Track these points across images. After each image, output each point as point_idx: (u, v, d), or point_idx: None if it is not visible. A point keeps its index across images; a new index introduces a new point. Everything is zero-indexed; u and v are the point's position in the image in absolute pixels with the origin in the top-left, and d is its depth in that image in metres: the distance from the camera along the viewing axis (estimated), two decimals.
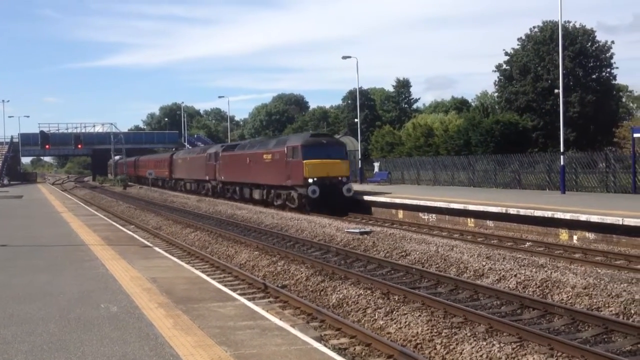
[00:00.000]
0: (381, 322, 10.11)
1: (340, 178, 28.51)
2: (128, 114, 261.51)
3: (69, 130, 76.62)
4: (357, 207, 28.93)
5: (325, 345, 8.10)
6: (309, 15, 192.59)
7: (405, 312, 10.26)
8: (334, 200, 27.84)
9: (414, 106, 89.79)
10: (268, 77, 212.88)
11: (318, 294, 12.50)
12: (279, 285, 13.37)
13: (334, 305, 11.54)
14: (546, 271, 12.36)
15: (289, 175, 28.96)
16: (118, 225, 23.53)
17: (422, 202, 25.34)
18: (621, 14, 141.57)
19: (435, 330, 9.24)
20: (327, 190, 27.61)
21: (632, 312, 9.67)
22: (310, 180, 27.72)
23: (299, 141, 29.38)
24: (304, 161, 28.03)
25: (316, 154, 28.36)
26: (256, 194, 33.77)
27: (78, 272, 12.39)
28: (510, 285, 11.89)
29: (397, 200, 26.99)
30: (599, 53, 53.65)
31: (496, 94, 61.13)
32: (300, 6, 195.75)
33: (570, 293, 10.83)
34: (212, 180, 42.22)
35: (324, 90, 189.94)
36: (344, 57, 48.37)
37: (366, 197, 29.21)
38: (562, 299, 10.70)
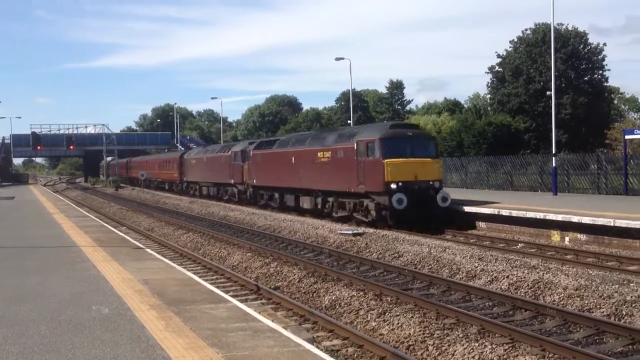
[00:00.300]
0: (374, 324, 10.11)
1: (431, 182, 21.76)
2: (120, 115, 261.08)
3: (61, 132, 76.27)
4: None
5: (318, 347, 8.10)
6: (302, 17, 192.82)
7: (398, 313, 10.26)
8: (425, 212, 21.28)
9: (407, 107, 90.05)
10: (261, 78, 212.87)
11: (311, 295, 12.49)
12: (272, 286, 13.37)
13: (326, 307, 11.53)
14: (538, 272, 12.39)
15: (361, 179, 22.16)
16: (110, 227, 23.45)
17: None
18: (614, 16, 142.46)
19: (427, 332, 9.25)
20: (416, 199, 20.97)
21: (624, 313, 9.70)
22: (394, 186, 20.96)
23: (377, 134, 22.24)
24: (385, 160, 21.17)
25: (400, 151, 21.68)
26: (306, 203, 26.71)
27: (69, 274, 12.34)
28: (502, 287, 11.92)
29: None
30: (591, 55, 53.94)
31: (489, 96, 61.36)
32: (294, 7, 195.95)
33: (562, 294, 10.87)
34: (239, 184, 35.48)
35: (318, 91, 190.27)
36: (337, 59, 48.55)
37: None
38: (554, 300, 10.74)
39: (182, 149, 77.05)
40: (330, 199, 24.88)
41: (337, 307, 11.35)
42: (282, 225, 22.55)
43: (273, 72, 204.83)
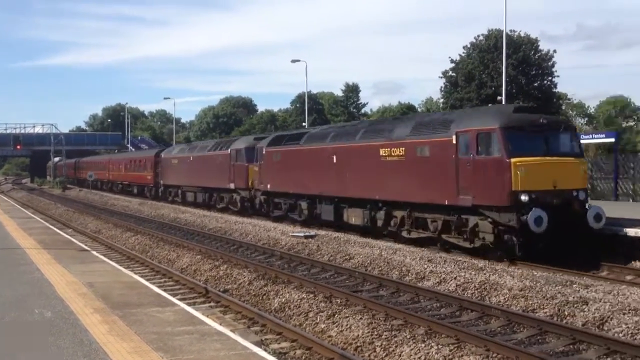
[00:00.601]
0: (322, 326, 10.13)
1: (575, 193, 15.02)
2: (70, 115, 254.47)
3: (8, 131, 74.27)
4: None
5: (266, 350, 8.08)
6: (259, 18, 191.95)
7: (347, 315, 10.30)
8: (570, 236, 14.61)
9: (362, 110, 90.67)
10: (216, 79, 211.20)
11: (260, 298, 12.44)
12: (221, 289, 13.25)
13: (276, 310, 11.50)
14: (485, 274, 12.64)
15: (465, 187, 15.41)
16: (55, 229, 22.92)
17: None
18: (565, 24, 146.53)
19: (375, 333, 9.32)
20: (557, 218, 14.19)
21: (566, 313, 9.96)
22: (525, 198, 14.26)
23: (494, 120, 15.24)
24: (512, 160, 14.46)
25: (532, 146, 15.03)
26: (354, 216, 20.09)
27: (12, 277, 12.05)
28: (450, 288, 12.10)
29: None
30: (542, 61, 55.25)
31: (442, 100, 62.30)
32: (250, 8, 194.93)
33: (507, 295, 11.09)
34: (242, 190, 28.77)
35: (273, 93, 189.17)
36: (293, 61, 48.76)
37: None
38: (500, 301, 10.95)
39: (133, 149, 75.67)
40: (400, 214, 18.12)
41: (287, 309, 11.33)
42: (234, 227, 22.39)
43: (228, 73, 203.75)
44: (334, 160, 20.91)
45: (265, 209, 26.27)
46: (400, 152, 17.83)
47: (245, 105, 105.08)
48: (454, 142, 15.90)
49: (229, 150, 30.41)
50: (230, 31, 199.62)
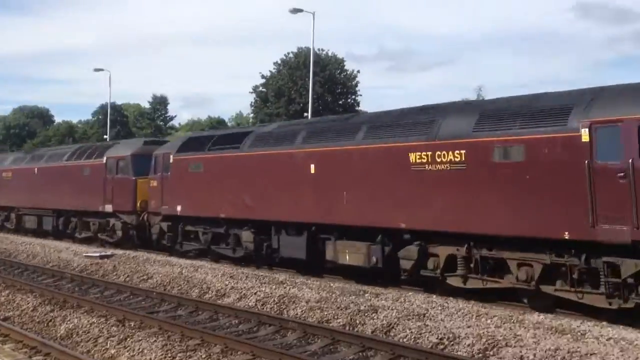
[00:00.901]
0: (113, 351, 9.53)
1: None
2: None
3: None
4: None
5: None
6: (58, 23, 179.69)
7: (140, 338, 9.82)
8: None
9: (170, 124, 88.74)
10: (9, 88, 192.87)
11: (45, 324, 11.46)
12: (0, 317, 11.96)
13: (62, 337, 10.64)
14: (285, 287, 12.82)
15: (611, 211, 9.84)
16: None
17: None
18: (369, 46, 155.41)
19: (169, 355, 8.98)
20: None
21: (357, 322, 10.38)
22: None
23: None
24: None
25: None
26: (350, 253, 13.87)
27: None
28: (250, 303, 12.08)
29: None
30: (346, 80, 58.32)
31: (251, 115, 63.02)
32: (50, 12, 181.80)
33: (305, 307, 11.33)
34: (124, 214, 21.38)
35: (74, 103, 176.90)
36: (96, 70, 46.66)
37: None
38: (297, 314, 11.14)
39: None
40: (447, 251, 12.24)
41: (75, 335, 10.54)
42: (20, 248, 20.52)
43: (23, 81, 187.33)
44: (312, 171, 14.81)
45: (169, 241, 19.27)
46: (455, 156, 12.00)
47: (40, 116, 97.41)
48: (585, 139, 10.33)
49: (104, 158, 22.63)
50: (25, 36, 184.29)
